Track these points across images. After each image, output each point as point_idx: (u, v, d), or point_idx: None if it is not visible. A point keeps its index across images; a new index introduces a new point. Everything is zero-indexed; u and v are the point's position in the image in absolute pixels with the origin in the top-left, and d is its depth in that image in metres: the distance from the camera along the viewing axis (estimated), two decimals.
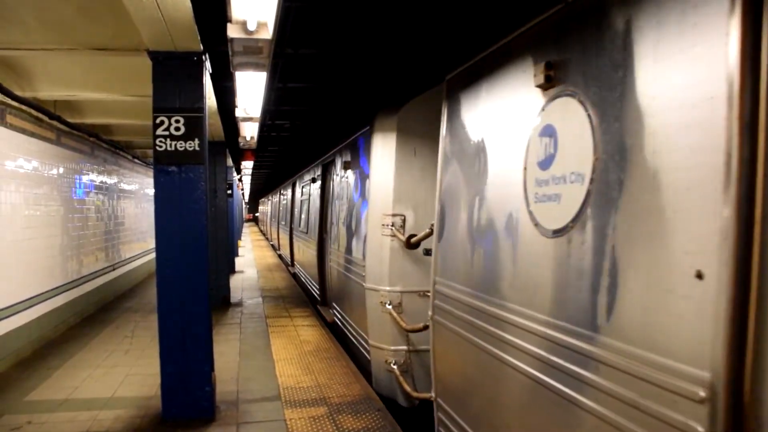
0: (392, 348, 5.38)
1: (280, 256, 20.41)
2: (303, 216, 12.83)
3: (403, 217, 5.33)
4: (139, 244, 13.60)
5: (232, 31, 3.75)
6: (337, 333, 8.02)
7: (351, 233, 7.03)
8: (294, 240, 14.80)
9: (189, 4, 3.67)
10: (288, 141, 11.55)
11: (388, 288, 5.39)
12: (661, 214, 1.81)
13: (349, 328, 7.13)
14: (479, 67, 3.39)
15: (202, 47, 4.55)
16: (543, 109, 2.59)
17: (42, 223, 7.31)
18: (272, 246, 25.74)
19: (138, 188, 13.60)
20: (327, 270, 9.25)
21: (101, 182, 10.35)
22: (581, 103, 2.28)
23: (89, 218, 9.52)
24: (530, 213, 2.64)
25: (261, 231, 42.61)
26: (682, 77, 1.76)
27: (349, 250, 7.10)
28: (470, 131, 3.51)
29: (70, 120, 7.95)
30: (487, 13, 3.91)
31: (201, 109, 4.65)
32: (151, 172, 13.65)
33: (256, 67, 4.49)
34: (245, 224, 49.83)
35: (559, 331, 2.36)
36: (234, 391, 5.50)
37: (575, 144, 2.31)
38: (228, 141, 10.64)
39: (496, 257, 3.01)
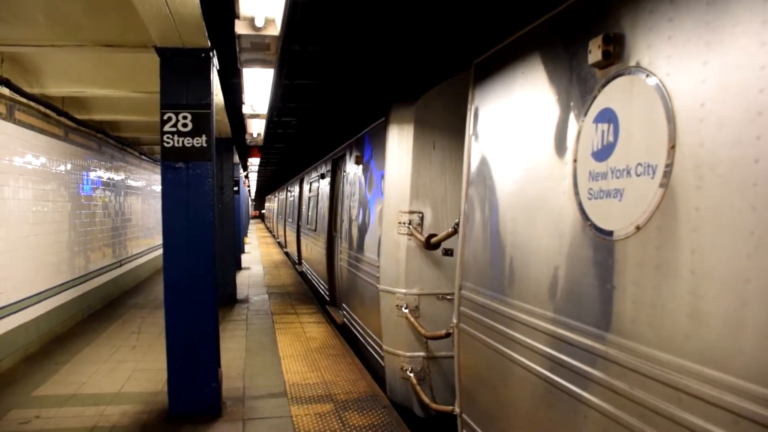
0: (408, 354, 5.07)
1: (286, 253, 20.37)
2: (311, 213, 12.62)
3: (421, 215, 5.06)
4: (146, 240, 13.64)
5: (240, 28, 3.73)
6: (347, 335, 7.79)
7: (363, 231, 6.74)
8: (301, 237, 14.63)
9: (197, 1, 3.66)
10: (295, 138, 11.50)
11: (404, 290, 5.09)
12: None
13: (361, 331, 6.85)
14: (514, 48, 3.05)
15: (209, 43, 4.54)
16: (599, 91, 2.26)
17: (50, 219, 7.34)
18: (278, 243, 25.75)
19: (145, 185, 13.64)
20: (336, 269, 8.93)
21: (108, 178, 10.38)
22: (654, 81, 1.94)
23: (96, 214, 9.56)
24: (582, 211, 2.33)
25: (267, 228, 42.67)
26: None
27: (361, 248, 6.80)
28: (504, 120, 3.19)
29: (77, 116, 7.99)
30: None
31: (208, 105, 4.65)
32: (158, 169, 13.74)
33: (264, 63, 4.47)
34: (251, 221, 49.93)
35: (612, 347, 2.07)
36: (240, 387, 5.50)
37: (643, 130, 1.99)
38: (235, 138, 10.64)
39: (536, 261, 2.70)
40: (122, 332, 7.81)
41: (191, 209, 4.67)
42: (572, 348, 2.35)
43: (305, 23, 4.42)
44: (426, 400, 4.80)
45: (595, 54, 2.22)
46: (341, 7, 4.30)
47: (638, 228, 1.98)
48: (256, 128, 8.94)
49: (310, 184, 13.24)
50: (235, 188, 11.82)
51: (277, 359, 6.53)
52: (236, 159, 13.02)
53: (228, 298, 10.33)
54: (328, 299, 10.03)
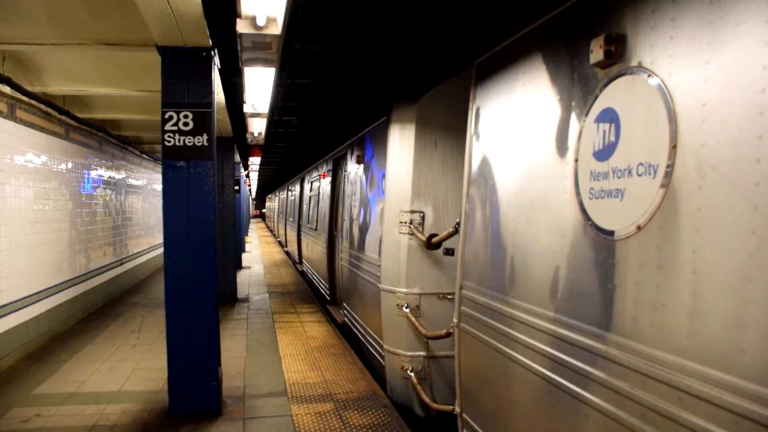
0: (409, 354, 5.07)
1: (287, 252, 20.38)
2: (312, 212, 12.62)
3: (422, 214, 5.06)
4: (147, 239, 13.65)
5: (241, 27, 3.72)
6: (347, 335, 7.79)
7: (364, 230, 6.73)
8: (302, 237, 14.64)
9: (198, 0, 3.66)
10: (296, 137, 11.51)
11: (405, 290, 5.09)
12: None
13: (362, 330, 6.85)
14: (516, 48, 3.06)
15: (211, 42, 4.54)
16: (601, 91, 2.26)
17: (50, 217, 7.35)
18: (279, 242, 25.76)
19: (146, 183, 13.64)
20: (337, 269, 8.93)
21: (109, 177, 10.39)
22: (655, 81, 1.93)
23: (97, 213, 9.56)
24: (583, 211, 2.33)
25: (268, 227, 42.70)
26: None
27: (362, 248, 6.78)
28: (505, 119, 3.18)
29: (78, 115, 8.00)
30: None
31: (209, 104, 4.65)
32: (158, 168, 13.74)
33: (265, 62, 4.47)
34: (252, 220, 49.97)
35: (612, 347, 2.06)
36: (240, 386, 5.51)
37: (644, 129, 1.98)
38: (236, 137, 10.64)
39: (537, 261, 2.70)
40: (123, 331, 7.81)
41: (192, 208, 4.67)
42: (573, 348, 2.35)
43: (307, 22, 4.43)
44: (426, 399, 4.80)
45: (597, 53, 2.21)
46: (343, 6, 4.30)
47: (639, 228, 1.98)
48: (257, 127, 8.94)
49: (311, 183, 13.24)
50: (236, 187, 11.81)
51: (278, 358, 6.53)
52: (237, 158, 13.03)
53: (228, 297, 10.34)
54: (328, 298, 10.03)
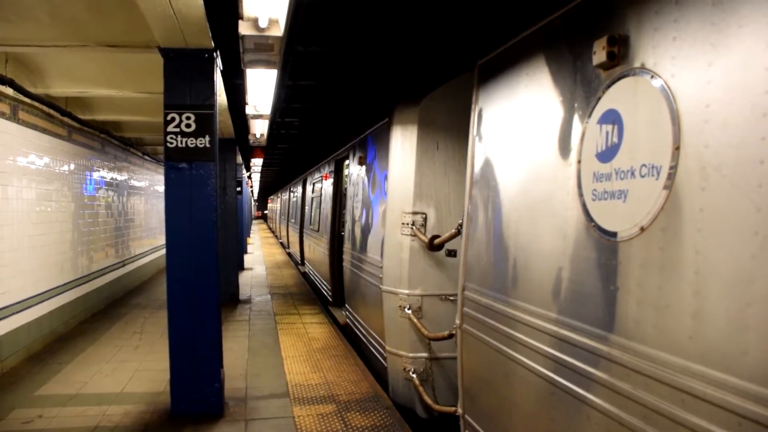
0: (411, 355, 5.05)
1: (289, 254, 20.39)
2: (314, 213, 12.63)
3: (424, 216, 5.04)
4: (149, 240, 13.67)
5: (244, 28, 3.74)
6: (349, 336, 7.77)
7: (367, 232, 6.72)
8: (304, 238, 14.64)
9: (201, 1, 3.67)
10: (298, 138, 11.53)
11: (407, 291, 5.07)
12: None
13: (364, 332, 6.82)
14: (519, 49, 3.05)
15: (213, 44, 4.55)
16: (604, 92, 2.26)
17: (53, 219, 7.36)
18: (281, 244, 25.77)
19: (148, 185, 13.66)
20: (339, 270, 8.92)
21: (111, 179, 10.40)
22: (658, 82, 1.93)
23: (99, 214, 9.58)
24: (586, 212, 2.32)
25: (270, 228, 42.72)
26: None
27: (364, 249, 6.75)
28: (508, 121, 3.18)
29: (81, 116, 8.01)
30: None
31: (212, 106, 4.66)
32: (160, 169, 13.76)
33: (267, 64, 4.48)
34: (254, 221, 50.00)
35: (615, 348, 2.06)
36: (242, 387, 5.51)
37: (647, 131, 1.98)
38: (238, 138, 10.65)
39: (540, 262, 2.70)
40: (125, 332, 7.82)
41: (194, 209, 4.67)
42: (575, 349, 2.35)
43: (309, 24, 4.43)
44: (428, 401, 4.79)
45: (599, 55, 2.21)
46: (345, 8, 4.30)
47: (642, 229, 1.98)
48: (260, 129, 8.96)
49: (313, 184, 13.24)
50: (238, 189, 11.82)
51: (280, 360, 6.53)
52: (239, 159, 13.04)
53: (230, 299, 10.34)
54: (330, 300, 10.03)
